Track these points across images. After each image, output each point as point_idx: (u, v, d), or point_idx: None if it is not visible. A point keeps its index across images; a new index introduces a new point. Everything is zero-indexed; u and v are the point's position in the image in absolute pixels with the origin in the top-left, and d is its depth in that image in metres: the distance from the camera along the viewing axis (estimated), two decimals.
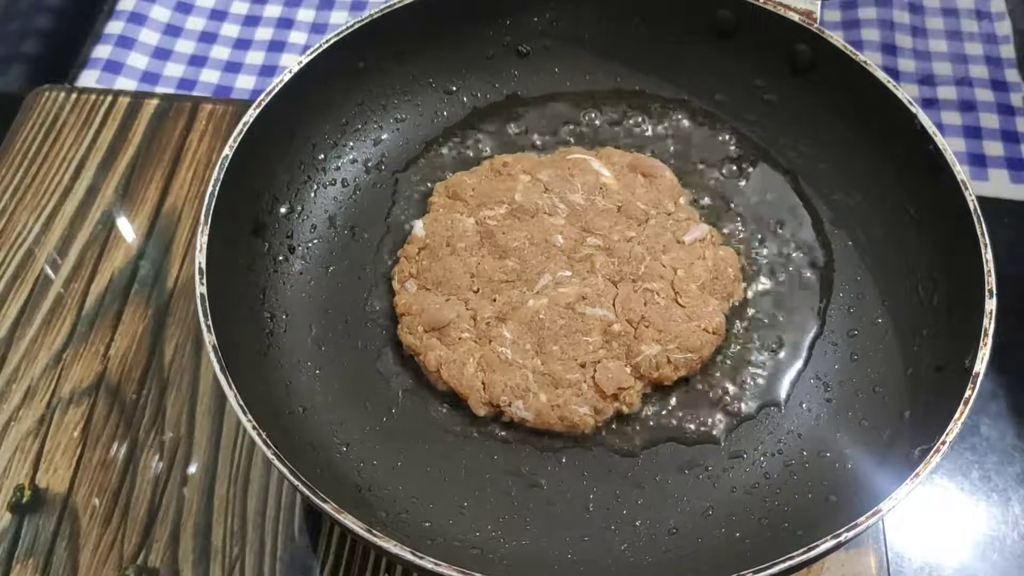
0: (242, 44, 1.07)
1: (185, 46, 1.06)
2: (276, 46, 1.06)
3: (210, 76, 1.04)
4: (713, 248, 0.73)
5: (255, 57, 1.06)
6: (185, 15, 1.08)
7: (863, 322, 0.71)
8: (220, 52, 1.06)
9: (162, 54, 1.05)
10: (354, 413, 0.68)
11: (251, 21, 1.09)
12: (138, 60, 1.03)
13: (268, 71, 1.04)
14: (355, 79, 0.78)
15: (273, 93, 0.71)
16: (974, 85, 1.02)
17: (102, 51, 1.03)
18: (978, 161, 0.96)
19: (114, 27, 1.05)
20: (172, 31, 1.06)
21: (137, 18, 1.06)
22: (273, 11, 1.09)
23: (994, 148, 0.97)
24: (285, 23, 1.08)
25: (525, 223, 0.73)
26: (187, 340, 0.80)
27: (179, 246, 0.86)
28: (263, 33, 1.07)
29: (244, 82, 1.03)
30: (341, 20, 1.07)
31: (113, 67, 1.02)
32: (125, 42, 1.04)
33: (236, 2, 1.10)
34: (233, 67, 1.05)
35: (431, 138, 0.81)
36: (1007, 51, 1.04)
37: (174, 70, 1.04)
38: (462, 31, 0.80)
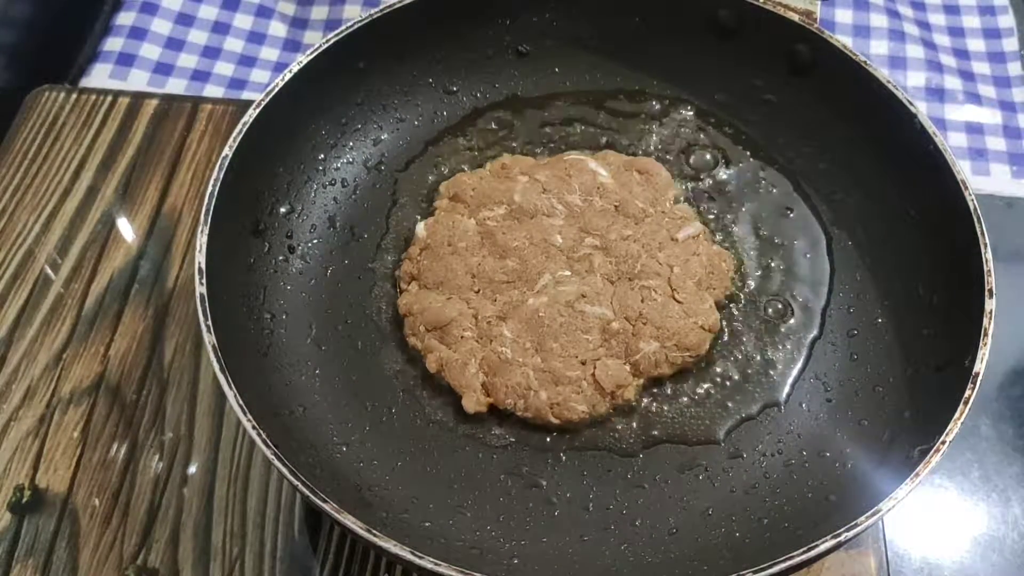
0: (255, 38, 1.06)
1: (194, 49, 1.05)
2: (291, 45, 1.06)
3: (224, 69, 1.03)
4: (707, 245, 0.74)
5: (269, 53, 1.05)
6: (187, 27, 1.07)
7: (863, 322, 0.71)
8: (233, 44, 1.05)
9: (165, 69, 1.03)
10: (354, 413, 0.68)
11: (264, 12, 1.08)
12: (144, 63, 1.03)
13: (282, 68, 1.02)
14: (355, 79, 0.78)
15: (273, 93, 0.71)
16: (976, 80, 1.02)
17: (114, 44, 1.02)
18: (979, 156, 0.96)
19: (123, 20, 1.04)
20: (174, 45, 1.05)
21: (138, 32, 1.04)
22: (287, 8, 1.08)
23: (996, 143, 0.97)
24: (299, 23, 1.07)
25: (524, 224, 0.73)
26: (187, 340, 0.80)
27: (179, 246, 0.86)
28: (277, 29, 1.07)
29: (258, 76, 1.03)
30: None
31: (121, 71, 1.02)
32: (130, 52, 1.03)
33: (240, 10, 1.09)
34: (247, 61, 1.04)
35: (431, 138, 0.81)
36: (1010, 44, 1.04)
37: (177, 81, 1.03)
38: (462, 31, 0.80)
